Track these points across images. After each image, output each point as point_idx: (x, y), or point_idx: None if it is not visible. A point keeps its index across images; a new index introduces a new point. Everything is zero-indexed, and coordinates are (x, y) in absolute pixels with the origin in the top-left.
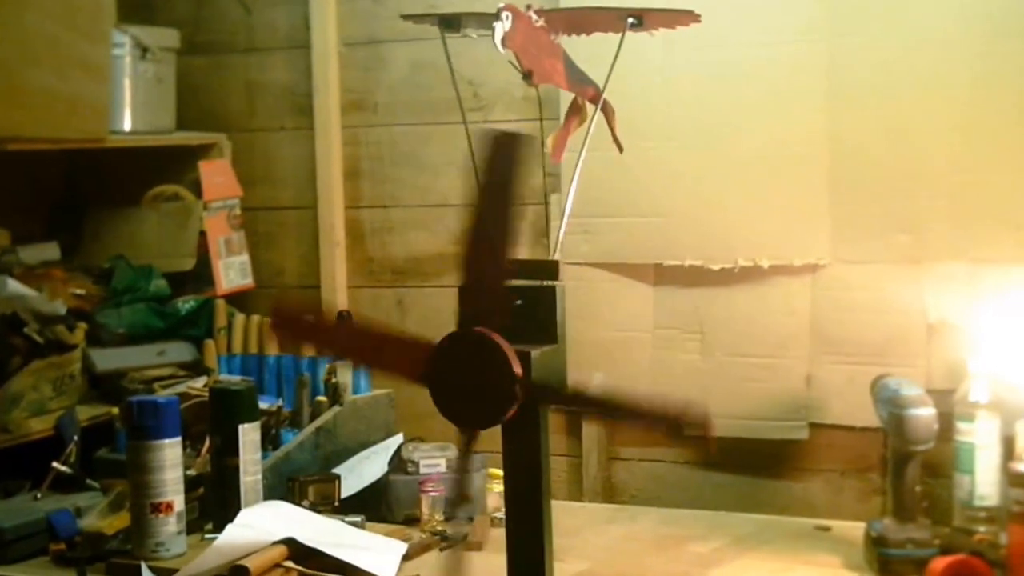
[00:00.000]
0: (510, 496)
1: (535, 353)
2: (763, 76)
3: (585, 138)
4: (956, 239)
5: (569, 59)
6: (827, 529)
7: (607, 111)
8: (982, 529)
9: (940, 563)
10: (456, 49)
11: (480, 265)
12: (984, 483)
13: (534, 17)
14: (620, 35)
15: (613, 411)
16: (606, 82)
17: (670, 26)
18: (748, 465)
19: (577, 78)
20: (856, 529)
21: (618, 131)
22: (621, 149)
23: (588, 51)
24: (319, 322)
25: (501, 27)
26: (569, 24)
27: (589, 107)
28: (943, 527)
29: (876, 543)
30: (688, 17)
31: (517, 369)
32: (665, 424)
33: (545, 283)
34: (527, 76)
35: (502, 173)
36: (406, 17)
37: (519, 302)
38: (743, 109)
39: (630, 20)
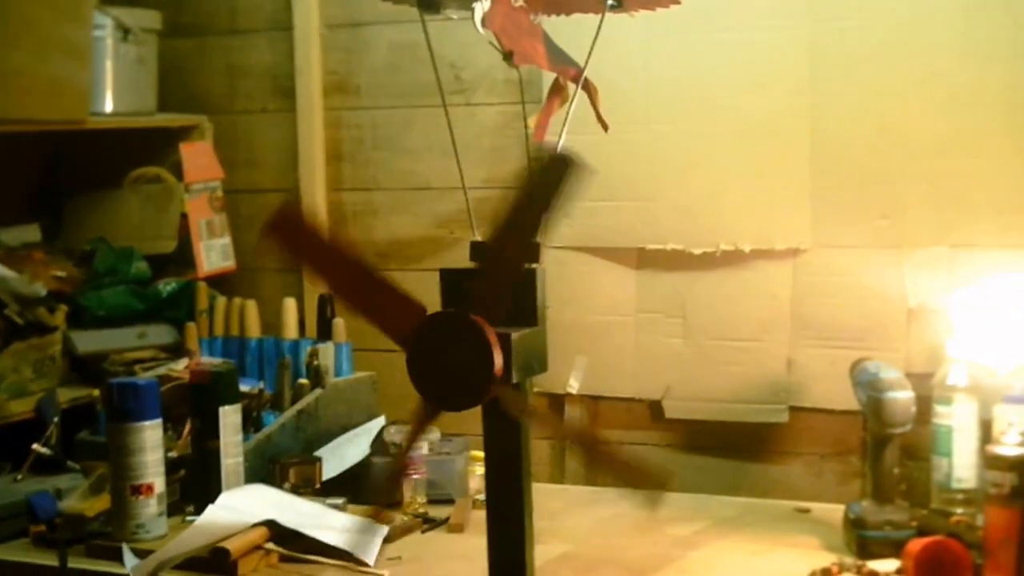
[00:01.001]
0: (490, 478)
1: (515, 335)
2: (744, 60)
3: (564, 121)
4: (936, 224)
5: (550, 39)
6: (807, 511)
7: (590, 90)
8: (959, 511)
9: (917, 544)
10: (438, 32)
11: (499, 258)
12: (961, 466)
13: None
14: (601, 15)
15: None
16: (586, 62)
17: (650, 8)
18: (729, 448)
19: (558, 58)
20: (835, 511)
21: (602, 111)
22: (606, 128)
23: (568, 34)
24: (321, 238)
25: (480, 8)
26: (548, 5)
27: (571, 87)
28: (921, 509)
29: (855, 525)
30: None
31: (497, 354)
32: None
33: (526, 265)
34: (507, 57)
35: (549, 190)
36: None
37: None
38: (724, 93)
39: (609, 2)
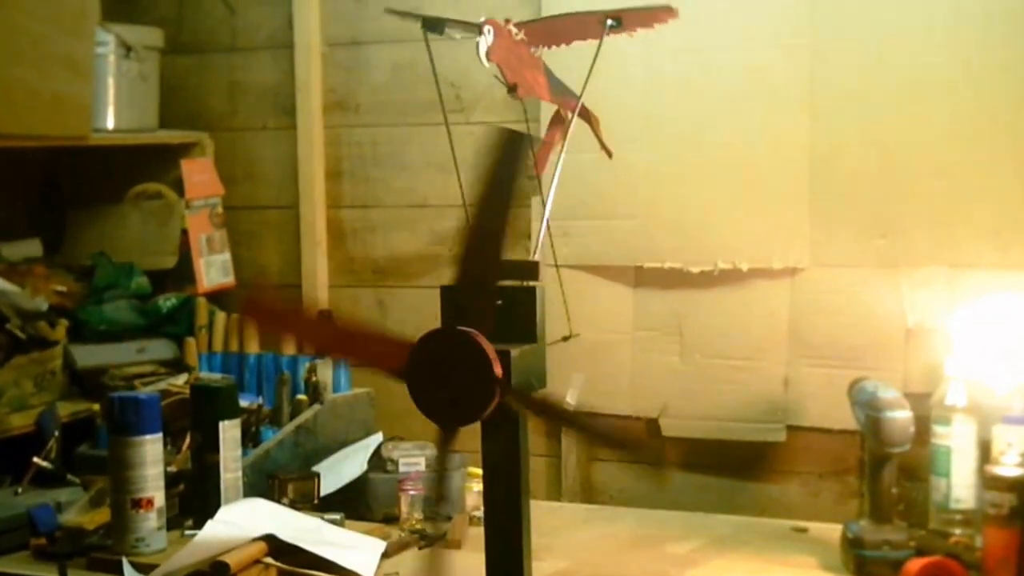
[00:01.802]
0: (489, 495)
1: (515, 352)
2: (744, 80)
3: (563, 142)
4: (934, 244)
5: (550, 72)
6: (804, 530)
7: (591, 119)
8: (958, 532)
9: (916, 564)
10: (438, 51)
11: (476, 261)
12: (960, 486)
13: (514, 31)
14: (600, 38)
15: (580, 428)
16: (585, 84)
17: (648, 25)
18: (726, 467)
19: (559, 90)
20: (833, 531)
21: (604, 138)
22: (610, 154)
23: (568, 57)
24: (297, 314)
25: (484, 41)
26: (548, 36)
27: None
28: (919, 529)
29: (853, 544)
30: (666, 13)
31: (497, 368)
32: (624, 447)
33: (525, 283)
34: (512, 89)
35: (505, 171)
36: (390, 11)
37: (499, 302)
38: (723, 113)
39: (609, 22)
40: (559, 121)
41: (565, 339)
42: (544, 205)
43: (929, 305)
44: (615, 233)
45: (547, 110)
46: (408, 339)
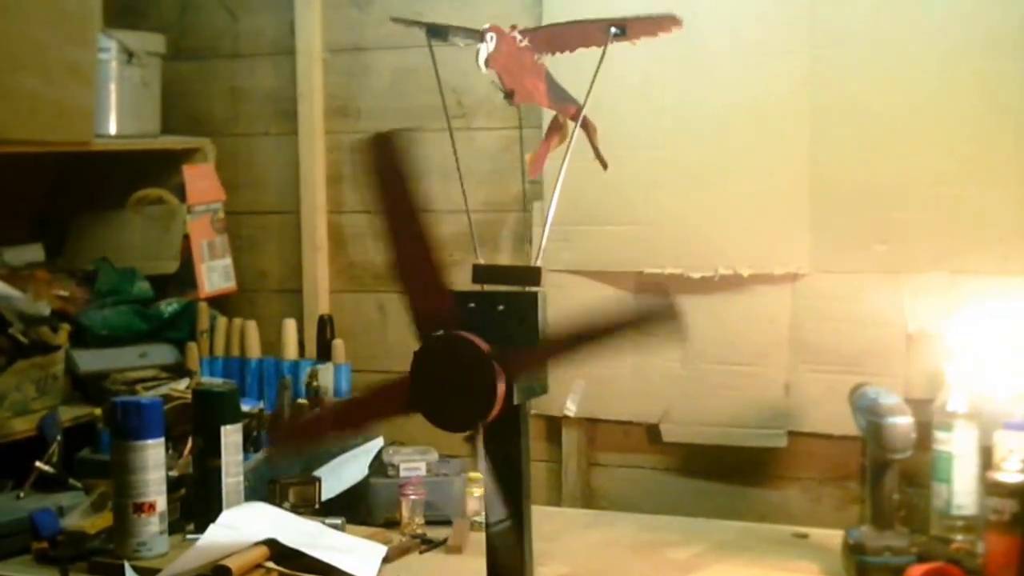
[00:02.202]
0: (489, 499)
1: None
2: (745, 87)
3: (567, 147)
4: (935, 250)
5: (551, 78)
6: (805, 536)
7: (588, 128)
8: (959, 538)
9: (917, 571)
10: (440, 56)
11: (413, 272)
12: (961, 492)
13: (518, 37)
14: (604, 46)
15: (589, 342)
16: (588, 93)
17: (652, 33)
18: (727, 472)
19: (559, 96)
20: (834, 537)
21: (600, 147)
22: (605, 166)
23: (571, 64)
24: (310, 423)
25: (485, 48)
26: (552, 43)
27: (571, 125)
28: (921, 535)
29: (854, 550)
30: (670, 23)
31: (499, 372)
32: (640, 327)
33: (527, 289)
34: (508, 96)
35: (391, 174)
36: (396, 20)
37: (501, 307)
38: (724, 119)
39: (613, 30)
40: (557, 127)
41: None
42: (546, 211)
43: (930, 311)
44: (616, 239)
45: (548, 115)
46: (401, 376)
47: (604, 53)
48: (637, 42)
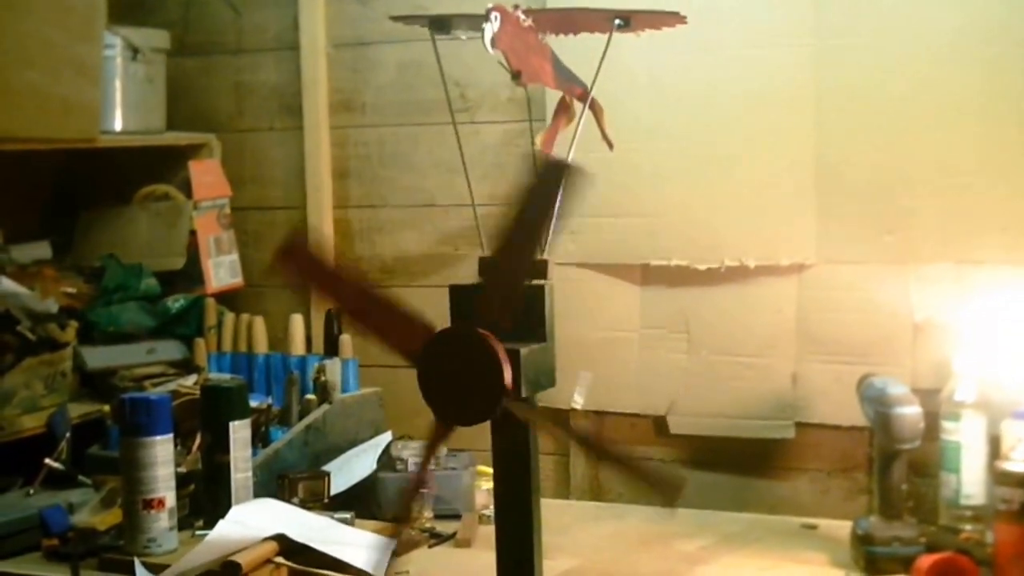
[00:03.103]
0: (499, 493)
1: (524, 351)
2: (750, 77)
3: (573, 138)
4: (942, 240)
5: (557, 58)
6: (814, 527)
7: (596, 109)
8: (968, 528)
9: (926, 561)
10: (444, 51)
11: (502, 271)
12: (970, 482)
13: (522, 17)
14: (608, 36)
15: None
16: (593, 82)
17: (656, 27)
18: (735, 464)
19: (565, 77)
20: (843, 528)
21: (607, 129)
22: (611, 146)
23: (575, 52)
24: (330, 266)
25: (490, 28)
26: (556, 24)
27: (577, 105)
28: (929, 526)
29: (863, 541)
30: (674, 19)
31: (507, 369)
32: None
33: (534, 282)
34: (515, 76)
35: (546, 195)
36: (395, 18)
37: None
38: (730, 110)
39: (617, 21)
40: (565, 108)
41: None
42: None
43: (937, 301)
44: (621, 231)
45: (552, 102)
46: (429, 325)
47: (608, 43)
48: (641, 34)
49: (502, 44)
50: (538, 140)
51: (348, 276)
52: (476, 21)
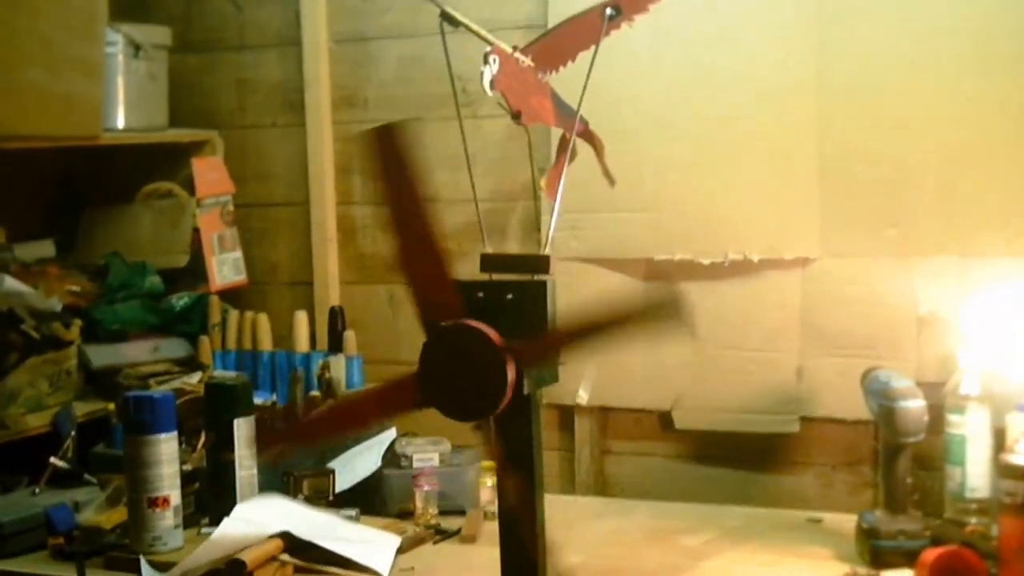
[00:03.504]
0: (502, 489)
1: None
2: (752, 70)
3: (571, 144)
4: (946, 233)
5: (557, 95)
6: (819, 521)
7: (596, 143)
8: (973, 521)
9: (931, 554)
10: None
11: (417, 263)
12: (975, 475)
13: (520, 58)
14: (600, 33)
15: (598, 332)
16: (589, 70)
17: (643, 9)
18: (739, 458)
19: (566, 113)
20: (848, 521)
21: (607, 163)
22: (613, 183)
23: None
24: (296, 426)
25: (488, 70)
26: (553, 59)
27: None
28: (934, 519)
29: (868, 535)
30: None
31: (509, 362)
32: (648, 318)
33: (536, 277)
34: (516, 117)
35: (396, 165)
36: None
37: (509, 296)
38: (732, 103)
39: (608, 11)
40: (567, 146)
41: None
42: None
43: (941, 294)
44: (625, 226)
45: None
46: (409, 373)
47: (601, 36)
48: (633, 22)
49: (501, 86)
50: (542, 182)
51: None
52: (482, 37)
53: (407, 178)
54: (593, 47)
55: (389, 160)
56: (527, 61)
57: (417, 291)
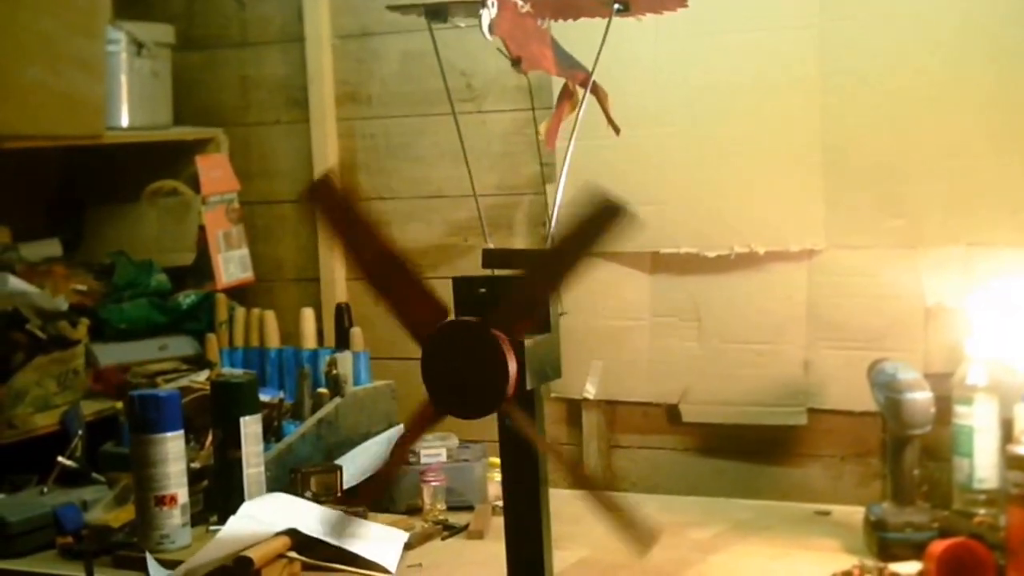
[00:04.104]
0: (508, 484)
1: (529, 342)
2: (755, 61)
3: (574, 127)
4: (952, 223)
5: (557, 44)
6: (827, 514)
7: (599, 94)
8: (981, 512)
9: (939, 546)
10: (447, 40)
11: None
12: (983, 466)
13: (520, 3)
14: (608, 20)
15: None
16: (594, 68)
17: (656, 11)
18: (747, 451)
19: (566, 63)
20: (856, 513)
21: (612, 113)
22: (617, 131)
23: (576, 38)
24: (360, 216)
25: (487, 14)
26: (555, 9)
27: (580, 90)
28: (942, 510)
29: (875, 527)
30: (675, 2)
31: (511, 362)
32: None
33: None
34: (516, 63)
35: (591, 234)
36: (392, 8)
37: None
38: (736, 95)
39: (616, 6)
40: (568, 95)
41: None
42: (554, 193)
43: (947, 285)
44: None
45: (558, 88)
46: (446, 307)
47: (607, 29)
48: (642, 18)
49: (500, 31)
50: (541, 129)
51: (374, 232)
52: (473, 8)
53: (354, 221)
54: (593, 17)
55: (331, 211)
56: (526, 7)
57: (400, 313)
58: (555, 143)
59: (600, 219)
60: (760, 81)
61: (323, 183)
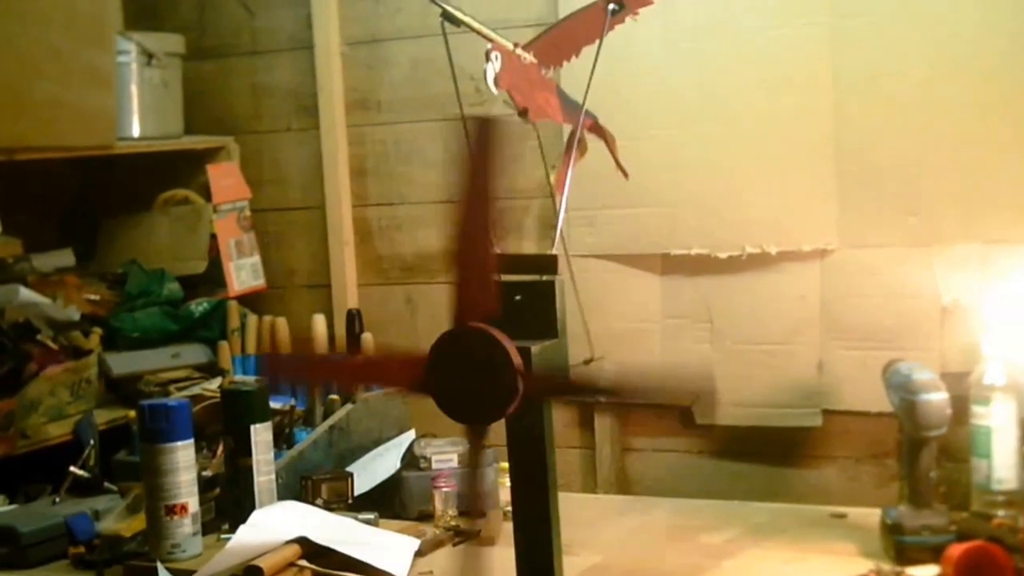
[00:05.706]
0: (516, 490)
1: (535, 348)
2: (765, 60)
3: (576, 137)
4: (966, 220)
5: (563, 92)
6: (843, 516)
7: (607, 137)
8: (1000, 513)
9: (957, 549)
10: (456, 44)
11: (470, 257)
12: (1002, 467)
13: (522, 55)
14: (609, 31)
15: (621, 397)
16: (593, 67)
17: (647, 2)
18: (761, 454)
19: (572, 109)
20: (872, 516)
21: (620, 157)
22: (626, 175)
23: (585, 50)
24: (312, 360)
25: (491, 68)
26: (556, 52)
27: (586, 134)
28: (961, 512)
29: (892, 530)
30: None
31: (518, 362)
32: (674, 407)
33: (544, 278)
34: (523, 114)
35: (484, 158)
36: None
37: (518, 297)
38: (746, 94)
39: (611, 6)
40: (577, 142)
41: (586, 363)
42: (559, 198)
43: (963, 283)
44: (641, 221)
45: (564, 86)
46: (418, 353)
47: (603, 36)
48: (637, 17)
49: (505, 84)
50: (552, 181)
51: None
52: (482, 35)
53: (490, 172)
54: (593, 43)
55: (482, 150)
56: (529, 57)
57: (459, 283)
58: (564, 192)
59: (482, 142)
60: (771, 80)
61: (492, 122)
